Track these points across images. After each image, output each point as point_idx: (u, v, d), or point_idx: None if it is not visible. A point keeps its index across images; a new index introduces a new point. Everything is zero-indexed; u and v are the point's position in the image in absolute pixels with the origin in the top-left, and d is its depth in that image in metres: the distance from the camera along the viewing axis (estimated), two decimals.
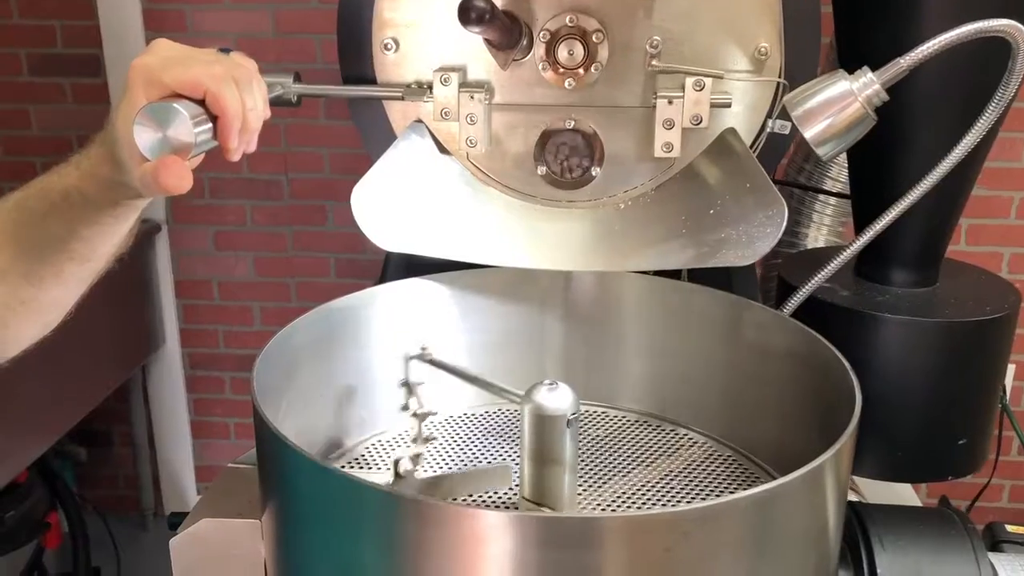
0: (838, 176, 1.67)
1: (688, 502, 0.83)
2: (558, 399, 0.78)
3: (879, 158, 1.10)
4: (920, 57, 0.77)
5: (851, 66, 0.85)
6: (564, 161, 1.00)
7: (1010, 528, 0.97)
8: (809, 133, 0.79)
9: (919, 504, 1.26)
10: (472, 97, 0.95)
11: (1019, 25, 0.80)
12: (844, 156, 1.63)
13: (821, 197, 1.67)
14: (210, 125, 0.64)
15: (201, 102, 0.63)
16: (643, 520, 0.63)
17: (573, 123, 0.99)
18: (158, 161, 0.61)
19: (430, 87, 0.97)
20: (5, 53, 2.56)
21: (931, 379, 1.11)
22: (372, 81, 1.01)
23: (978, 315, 1.09)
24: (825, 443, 0.76)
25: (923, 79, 0.86)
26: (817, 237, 1.70)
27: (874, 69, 0.82)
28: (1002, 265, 2.48)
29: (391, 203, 0.98)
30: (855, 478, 1.17)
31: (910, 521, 0.90)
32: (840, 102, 0.79)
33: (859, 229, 1.17)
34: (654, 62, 0.94)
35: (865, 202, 1.17)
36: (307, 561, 0.74)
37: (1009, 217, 2.49)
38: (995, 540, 0.95)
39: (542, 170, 1.01)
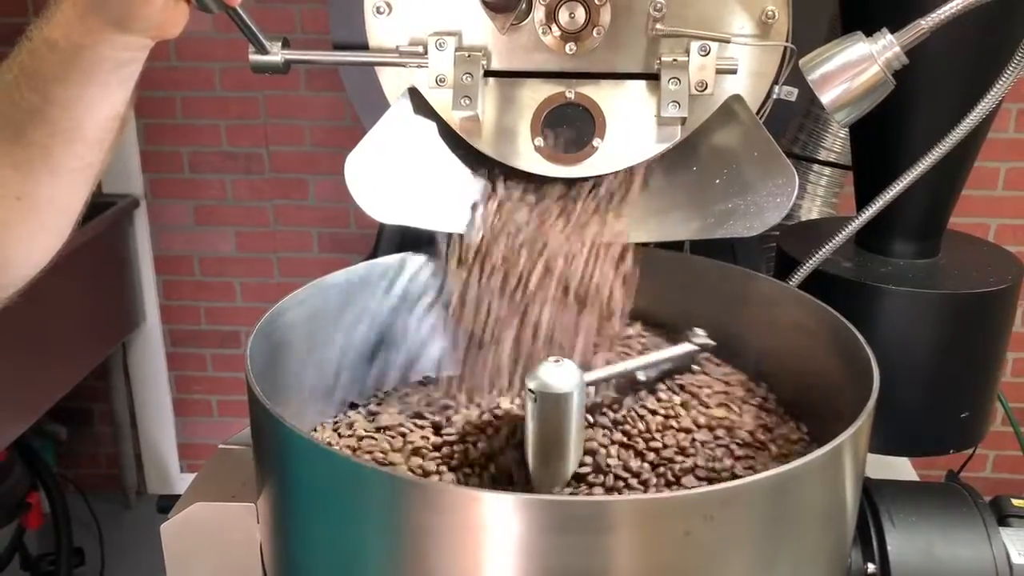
0: (832, 146, 1.64)
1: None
2: (563, 376, 0.76)
3: (883, 128, 1.07)
4: (942, 18, 0.75)
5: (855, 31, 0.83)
6: (563, 133, 0.97)
7: (1016, 502, 0.95)
8: (826, 98, 0.77)
9: (916, 478, 1.25)
10: (469, 56, 0.92)
11: None
12: (838, 125, 1.62)
13: (815, 167, 1.65)
14: None
15: None
16: (661, 503, 0.60)
17: (573, 94, 0.96)
18: None
19: (425, 52, 0.93)
20: None
21: (935, 351, 1.09)
22: (364, 47, 0.97)
23: (982, 286, 1.08)
24: (834, 418, 0.75)
25: (929, 45, 0.83)
26: (811, 208, 1.68)
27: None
28: (989, 236, 2.48)
29: (385, 173, 0.95)
30: None
31: (919, 497, 0.89)
32: (859, 65, 0.76)
33: (861, 200, 1.15)
34: (658, 26, 0.91)
35: (868, 173, 1.15)
36: (306, 545, 0.72)
37: (996, 188, 2.49)
38: (1002, 515, 0.94)
39: (539, 143, 0.98)
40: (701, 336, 0.91)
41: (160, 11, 0.63)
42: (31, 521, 2.32)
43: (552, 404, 0.75)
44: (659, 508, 0.60)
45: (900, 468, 1.25)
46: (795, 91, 0.94)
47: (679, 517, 0.59)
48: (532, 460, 0.78)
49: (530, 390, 0.75)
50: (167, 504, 0.88)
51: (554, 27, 0.92)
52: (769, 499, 0.63)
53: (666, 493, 0.62)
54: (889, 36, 0.77)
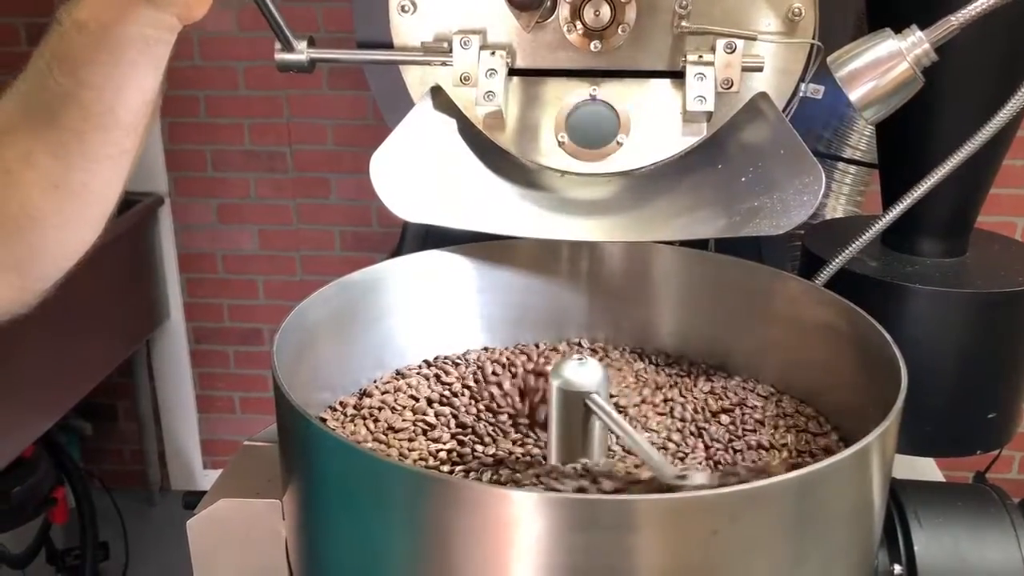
0: (857, 144, 1.63)
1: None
2: (587, 375, 0.76)
3: (910, 125, 1.06)
4: (973, 14, 0.74)
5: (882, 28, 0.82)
6: (588, 131, 0.96)
7: None
8: (854, 95, 0.76)
9: (941, 478, 1.24)
10: (493, 53, 0.92)
11: None
12: (864, 123, 1.61)
13: (840, 165, 1.64)
14: None
15: None
16: (688, 502, 0.60)
17: (597, 91, 0.95)
18: None
19: (449, 50, 0.93)
20: (3, 23, 2.52)
21: (962, 351, 1.08)
22: (388, 45, 0.97)
23: (1011, 286, 1.06)
24: (861, 418, 0.74)
25: (957, 42, 0.83)
26: (836, 207, 1.67)
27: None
28: (1016, 235, 2.45)
29: (410, 172, 0.95)
30: None
31: (946, 497, 0.88)
32: (887, 62, 0.75)
33: (888, 199, 1.14)
34: (683, 23, 0.90)
35: (895, 171, 1.14)
36: (331, 542, 0.72)
37: (1023, 187, 2.46)
38: None
39: (563, 139, 0.98)
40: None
41: None
42: (57, 516, 2.35)
43: (575, 402, 0.75)
44: (686, 507, 0.60)
45: (925, 469, 1.24)
46: (822, 88, 0.93)
47: (706, 516, 0.59)
48: (555, 458, 0.78)
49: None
50: (192, 500, 0.89)
51: (579, 25, 0.92)
52: (796, 499, 0.62)
53: (692, 493, 0.62)
54: (919, 33, 0.76)
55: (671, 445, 0.84)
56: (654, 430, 0.87)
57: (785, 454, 0.83)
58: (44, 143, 0.69)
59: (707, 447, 0.84)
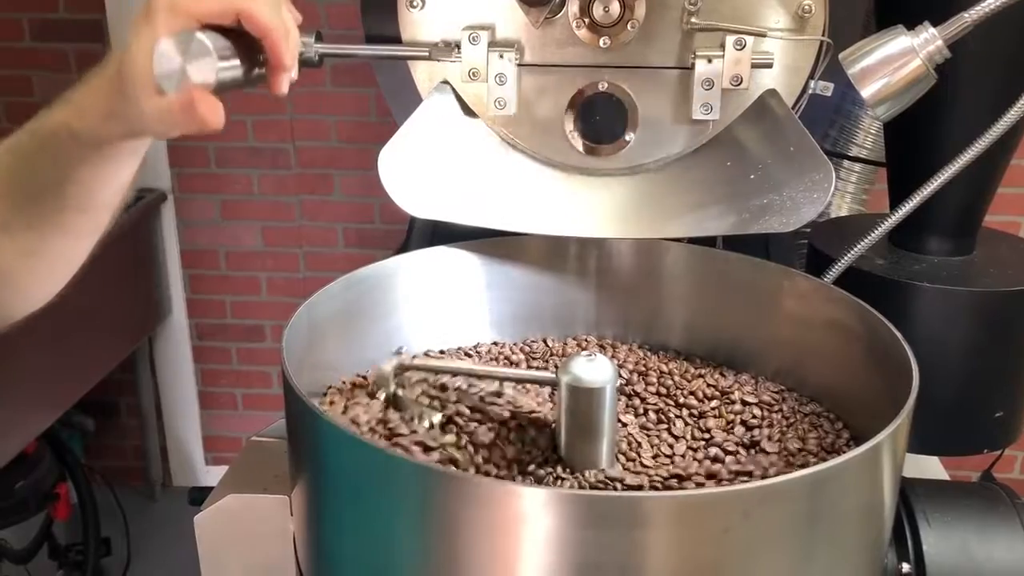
0: (863, 142, 1.63)
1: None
2: (596, 371, 0.76)
3: (918, 124, 1.06)
4: (986, 11, 0.74)
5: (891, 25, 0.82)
6: (596, 126, 0.96)
7: None
8: (867, 92, 0.76)
9: (946, 477, 1.24)
10: (502, 56, 0.92)
11: None
12: (870, 121, 1.61)
13: (846, 164, 1.64)
14: (236, 62, 0.60)
15: (230, 32, 0.59)
16: (700, 499, 0.60)
17: (606, 86, 0.95)
18: (191, 95, 0.57)
19: (458, 46, 0.93)
20: (6, 18, 2.52)
21: (969, 350, 1.08)
22: (397, 40, 0.97)
23: (1018, 284, 1.06)
24: (870, 416, 0.74)
25: (967, 39, 0.82)
26: (841, 205, 1.67)
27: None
28: (1020, 234, 2.44)
29: (418, 168, 0.95)
30: None
31: (955, 497, 0.87)
32: (900, 59, 0.75)
33: (895, 197, 1.14)
34: (693, 19, 0.90)
35: (903, 170, 1.13)
36: (339, 537, 0.72)
37: None
38: None
39: (573, 136, 0.98)
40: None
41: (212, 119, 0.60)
42: (59, 511, 2.34)
43: (584, 398, 0.75)
44: (698, 504, 0.60)
45: (930, 467, 1.24)
46: (831, 86, 0.93)
47: (718, 514, 0.59)
48: (564, 453, 0.78)
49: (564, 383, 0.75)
50: (199, 496, 0.89)
51: (588, 21, 0.92)
52: (808, 497, 0.62)
53: (704, 490, 0.62)
54: (931, 29, 0.76)
55: (682, 441, 0.84)
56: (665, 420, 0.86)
57: (794, 452, 0.82)
58: (23, 218, 0.70)
59: (718, 444, 0.84)
